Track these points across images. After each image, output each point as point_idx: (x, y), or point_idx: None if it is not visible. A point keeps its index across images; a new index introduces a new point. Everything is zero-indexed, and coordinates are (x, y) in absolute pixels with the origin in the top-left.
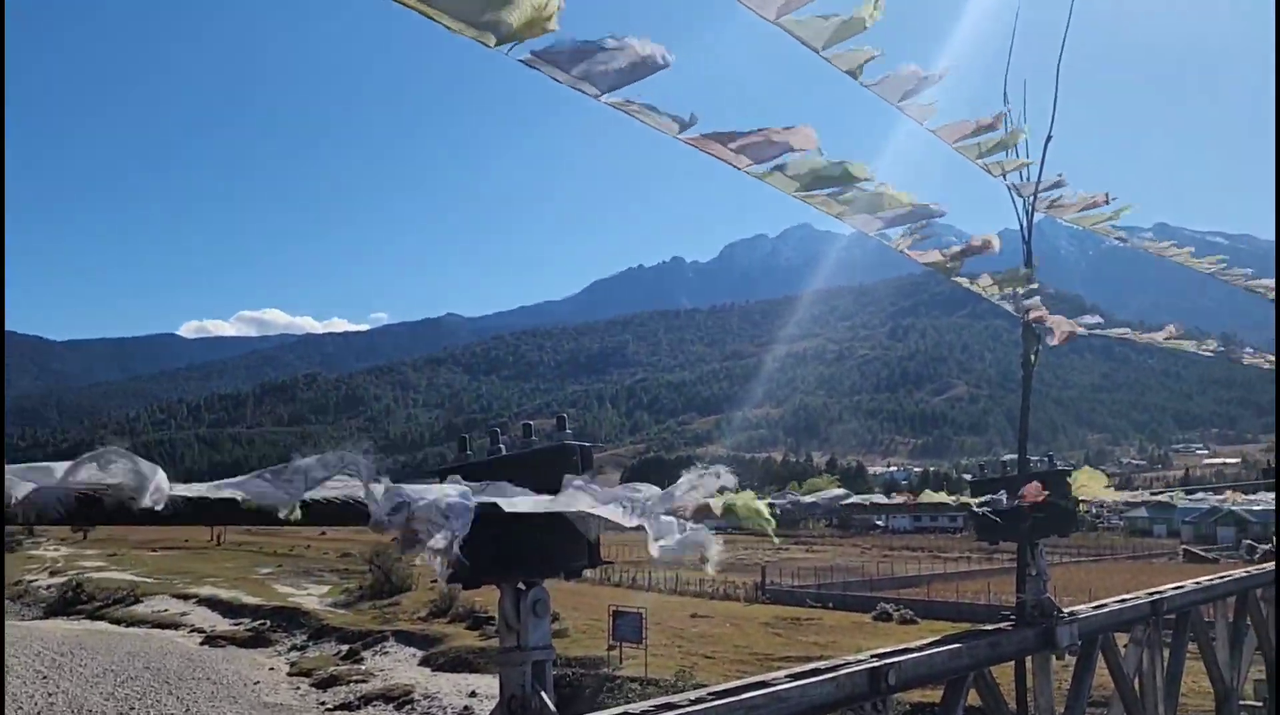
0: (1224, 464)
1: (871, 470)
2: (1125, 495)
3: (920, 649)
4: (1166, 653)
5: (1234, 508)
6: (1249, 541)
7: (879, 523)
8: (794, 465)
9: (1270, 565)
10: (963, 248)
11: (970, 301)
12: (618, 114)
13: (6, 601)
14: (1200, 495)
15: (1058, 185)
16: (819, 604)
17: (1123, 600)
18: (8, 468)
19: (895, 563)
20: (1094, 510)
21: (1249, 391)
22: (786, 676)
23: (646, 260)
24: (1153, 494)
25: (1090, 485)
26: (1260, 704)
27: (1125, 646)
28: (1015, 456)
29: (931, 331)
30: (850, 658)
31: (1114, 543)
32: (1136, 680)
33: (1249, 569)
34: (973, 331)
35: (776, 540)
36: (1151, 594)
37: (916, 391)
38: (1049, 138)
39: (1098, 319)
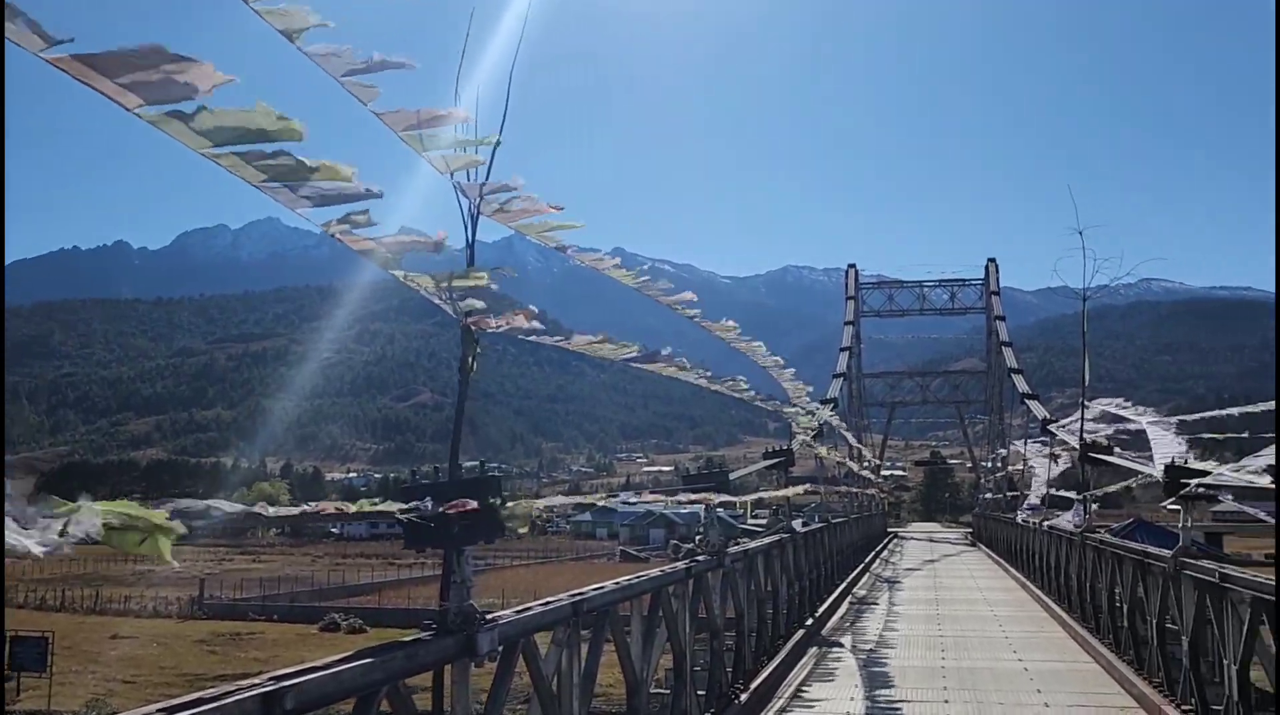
0: (660, 471)
1: (330, 476)
2: (575, 499)
3: (327, 666)
4: (585, 650)
5: (665, 511)
6: (675, 541)
7: (334, 530)
8: (246, 470)
9: (680, 564)
10: (405, 240)
11: (441, 310)
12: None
13: None
14: (635, 499)
15: (506, 189)
16: (263, 617)
17: (546, 603)
18: None
19: (348, 571)
20: (544, 515)
21: (685, 407)
22: (159, 712)
23: (83, 242)
24: (601, 500)
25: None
26: (668, 691)
27: (548, 647)
28: (471, 463)
29: (400, 337)
30: (245, 682)
31: (560, 545)
32: (555, 679)
33: (663, 568)
34: (441, 339)
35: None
36: (574, 595)
37: (381, 397)
38: (498, 142)
39: (536, 325)
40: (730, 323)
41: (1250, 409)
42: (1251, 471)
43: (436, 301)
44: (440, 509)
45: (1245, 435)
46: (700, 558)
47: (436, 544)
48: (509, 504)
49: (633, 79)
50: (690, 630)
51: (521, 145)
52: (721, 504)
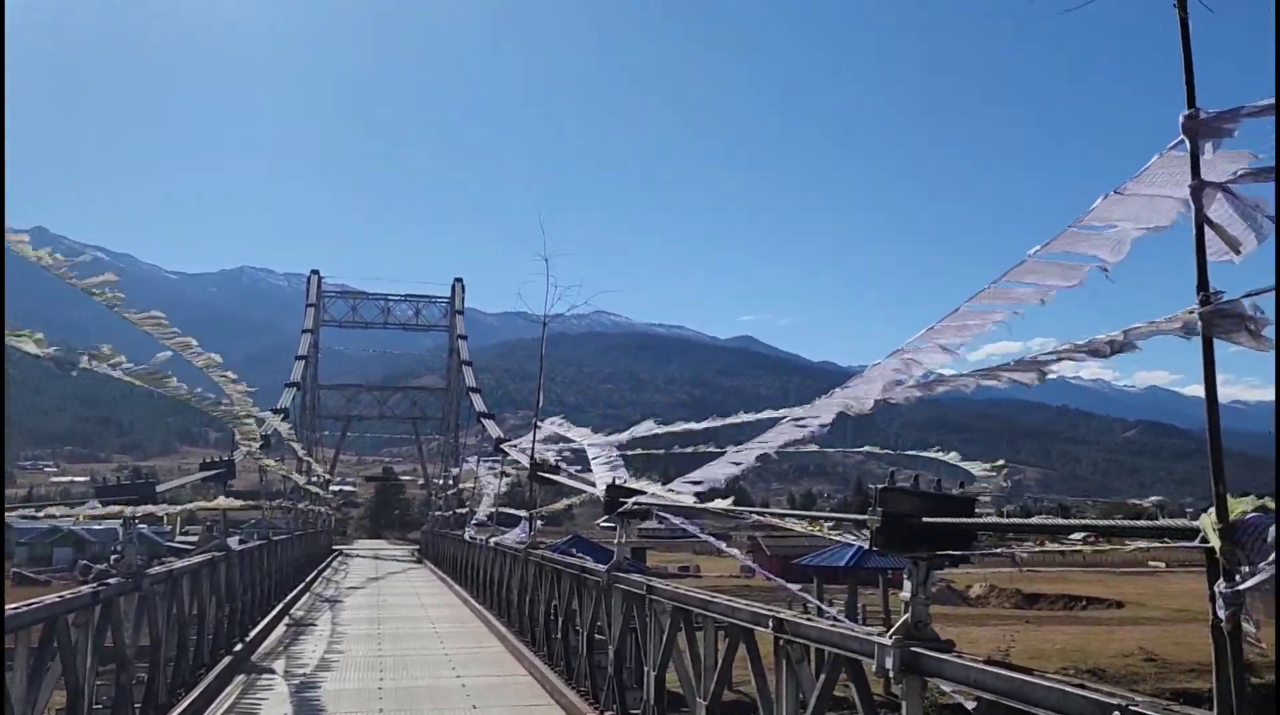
0: (72, 481)
1: None
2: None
3: None
4: None
5: (74, 528)
6: (84, 562)
7: None
8: None
9: (86, 587)
10: None
11: None
12: None
13: None
14: (36, 513)
15: None
16: None
17: None
18: None
19: None
20: None
21: (112, 410)
22: None
23: None
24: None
25: None
26: None
27: None
28: None
29: None
30: None
31: None
32: None
33: (64, 593)
34: None
35: None
36: None
37: None
38: None
39: None
40: (157, 313)
41: (674, 428)
42: (678, 491)
43: None
44: None
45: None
46: (113, 580)
47: None
48: None
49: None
50: (93, 663)
51: None
52: (145, 519)
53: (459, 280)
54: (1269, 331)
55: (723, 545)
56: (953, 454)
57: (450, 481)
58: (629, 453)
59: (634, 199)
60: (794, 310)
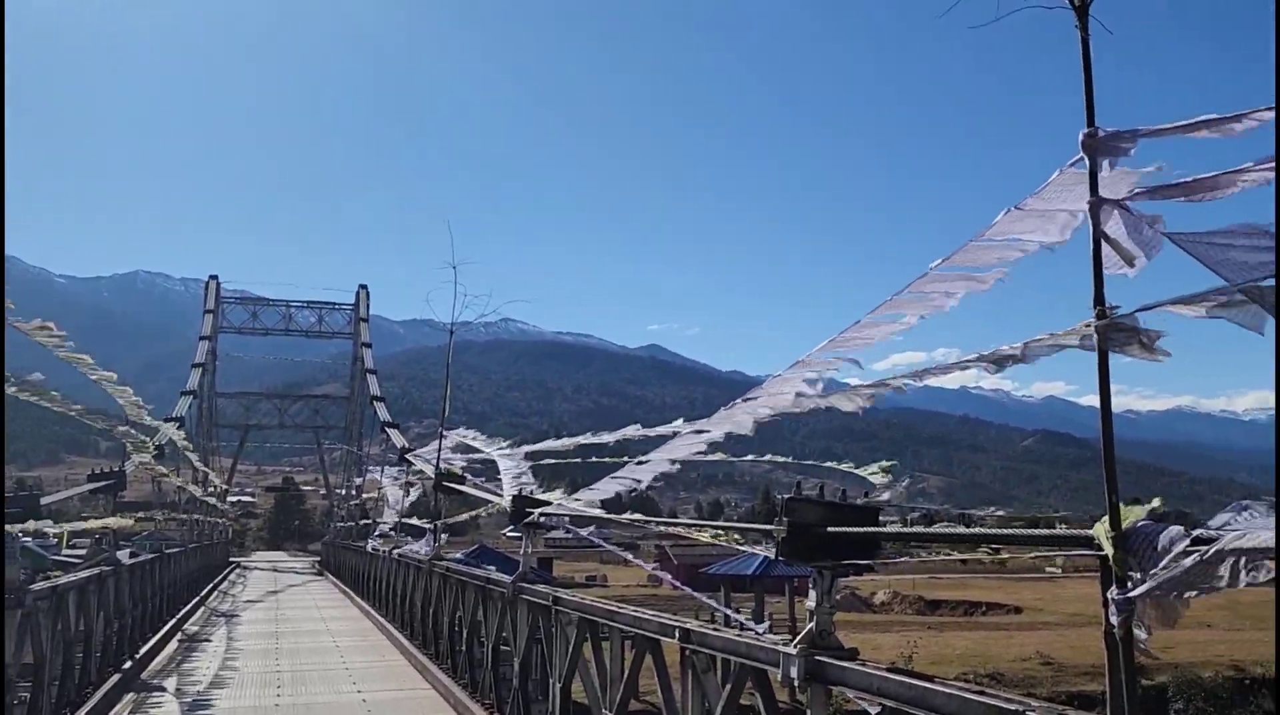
0: None
1: None
2: None
3: None
4: None
5: None
6: None
7: None
8: None
9: None
10: None
11: None
12: None
13: None
14: None
15: None
16: None
17: None
18: None
19: None
20: None
21: None
22: None
23: None
24: None
25: None
26: None
27: None
28: None
29: None
30: None
31: None
32: None
33: None
34: None
35: None
36: None
37: None
38: None
39: None
40: (49, 324)
41: (582, 440)
42: (584, 502)
43: None
44: None
45: (578, 460)
46: None
47: None
48: None
49: None
50: None
51: None
52: (27, 532)
53: (364, 287)
54: (1161, 344)
55: (629, 555)
56: (846, 463)
57: (353, 492)
58: (539, 463)
59: (544, 207)
60: (702, 320)
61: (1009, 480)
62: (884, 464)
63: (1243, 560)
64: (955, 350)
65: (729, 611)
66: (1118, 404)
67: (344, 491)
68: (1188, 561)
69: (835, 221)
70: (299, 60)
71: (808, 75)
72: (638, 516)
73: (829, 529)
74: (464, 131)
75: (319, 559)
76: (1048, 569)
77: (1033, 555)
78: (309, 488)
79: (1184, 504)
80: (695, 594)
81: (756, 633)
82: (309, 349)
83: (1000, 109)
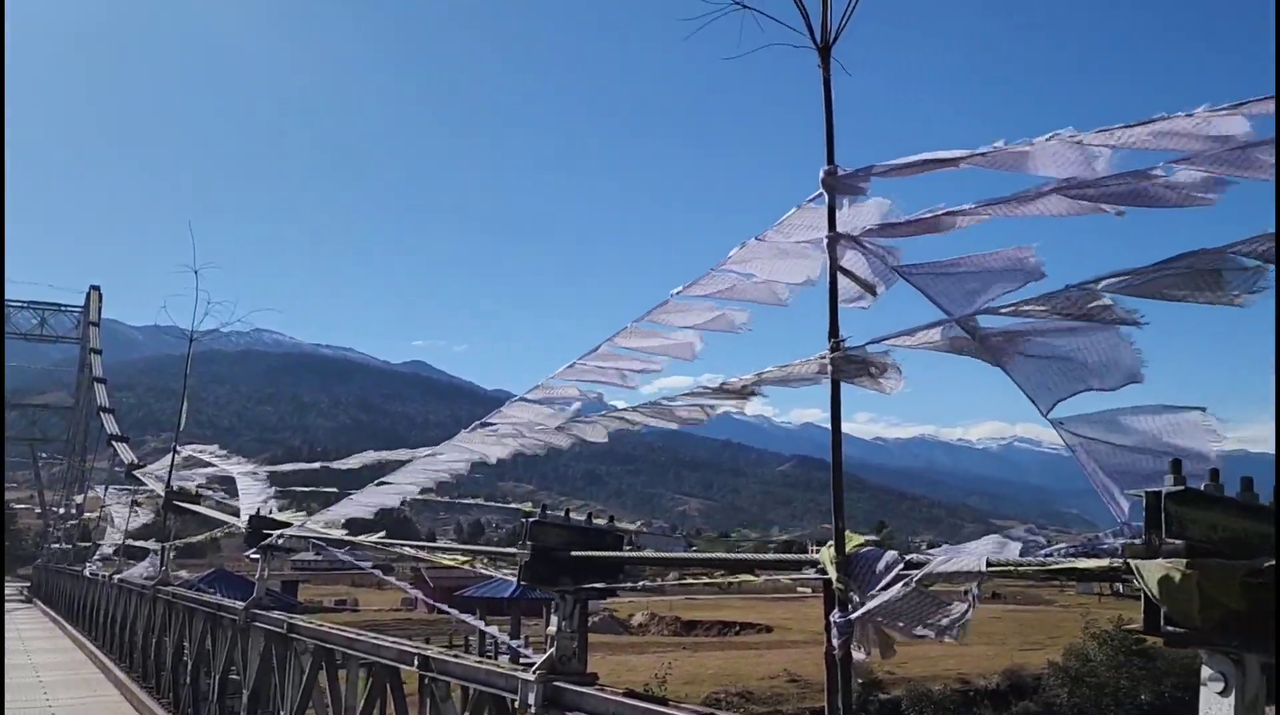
0: None
1: None
2: None
3: None
4: None
5: None
6: None
7: None
8: None
9: None
10: None
11: None
12: None
13: None
14: None
15: None
16: None
17: None
18: None
19: None
20: None
21: None
22: None
23: None
24: None
25: None
26: None
27: None
28: None
29: None
30: None
31: None
32: None
33: None
34: None
35: None
36: None
37: None
38: None
39: None
40: None
41: (336, 465)
42: (325, 523)
43: None
44: None
45: (334, 490)
46: None
47: None
48: None
49: None
50: None
51: None
52: None
53: (96, 288)
54: (889, 376)
55: (385, 576)
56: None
57: (73, 511)
58: (292, 487)
59: (299, 214)
60: (469, 337)
61: (766, 504)
62: None
63: (954, 580)
64: (720, 375)
65: (494, 631)
66: (867, 431)
67: (62, 510)
68: (899, 585)
69: (594, 242)
70: (19, 39)
71: (548, 95)
72: (384, 540)
73: (572, 553)
74: (211, 126)
75: (29, 585)
76: (799, 589)
77: (764, 579)
78: (23, 506)
79: (924, 526)
80: (454, 613)
81: (519, 650)
82: (29, 354)
83: (742, 139)
